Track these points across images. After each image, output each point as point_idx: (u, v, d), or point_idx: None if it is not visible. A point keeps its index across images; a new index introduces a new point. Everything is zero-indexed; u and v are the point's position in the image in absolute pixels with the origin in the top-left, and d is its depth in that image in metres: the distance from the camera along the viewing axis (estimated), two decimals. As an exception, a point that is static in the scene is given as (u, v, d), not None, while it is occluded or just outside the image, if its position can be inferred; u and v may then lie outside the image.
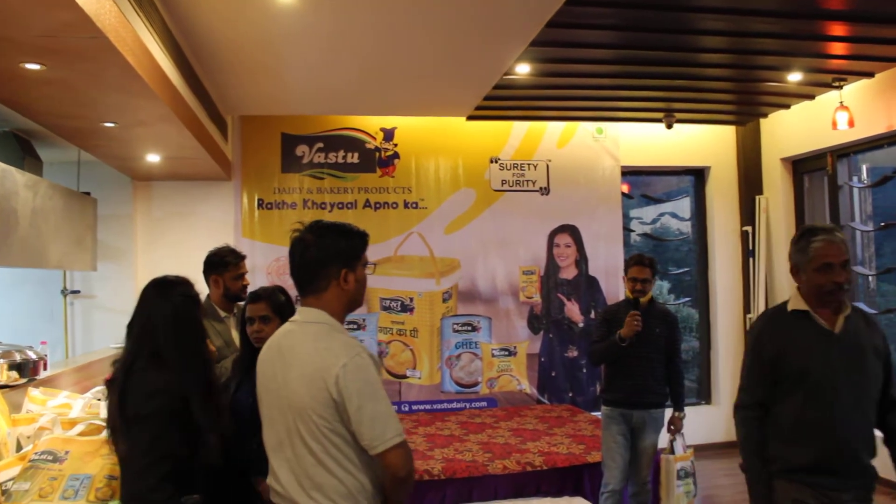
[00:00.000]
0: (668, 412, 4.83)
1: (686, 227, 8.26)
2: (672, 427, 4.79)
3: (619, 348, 4.55)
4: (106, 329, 6.29)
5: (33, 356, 4.15)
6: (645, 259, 4.72)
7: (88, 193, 6.05)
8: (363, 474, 2.22)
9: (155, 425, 2.47)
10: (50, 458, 2.82)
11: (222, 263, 4.18)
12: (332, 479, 2.19)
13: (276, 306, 3.35)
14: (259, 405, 2.41)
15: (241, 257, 4.26)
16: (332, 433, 2.18)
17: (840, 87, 6.38)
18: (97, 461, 2.81)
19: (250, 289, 3.71)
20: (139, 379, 2.55)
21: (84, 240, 5.77)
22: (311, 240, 2.34)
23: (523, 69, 5.74)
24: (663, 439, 4.80)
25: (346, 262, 2.33)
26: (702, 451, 7.45)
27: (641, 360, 4.63)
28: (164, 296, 2.69)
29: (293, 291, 6.63)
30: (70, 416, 3.18)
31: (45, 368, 4.27)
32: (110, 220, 6.52)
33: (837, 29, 5.28)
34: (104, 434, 2.86)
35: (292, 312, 2.52)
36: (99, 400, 3.24)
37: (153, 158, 5.70)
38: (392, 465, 2.18)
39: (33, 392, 3.70)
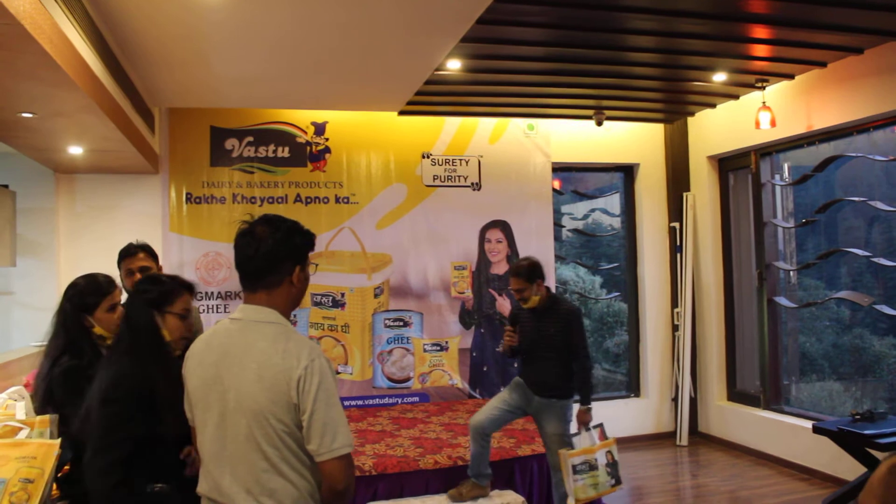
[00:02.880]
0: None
1: (617, 223, 8.39)
2: (579, 421, 4.84)
3: (513, 355, 5.06)
4: (25, 327, 6.09)
5: (-54, 356, 4.01)
6: (519, 269, 4.84)
7: (6, 186, 5.85)
8: (316, 476, 2.18)
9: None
10: (-39, 461, 2.71)
11: (117, 259, 4.09)
12: (286, 483, 2.14)
13: None
14: (191, 408, 2.33)
15: (132, 251, 4.06)
16: (289, 437, 2.13)
17: (762, 88, 6.57)
18: (11, 465, 2.71)
19: None
20: None
21: (2, 234, 5.59)
22: (267, 233, 2.27)
23: (454, 65, 5.75)
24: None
25: (300, 259, 2.31)
26: (631, 442, 7.63)
27: (540, 360, 4.88)
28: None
29: (221, 287, 6.47)
30: (-17, 417, 3.06)
31: (-42, 368, 4.13)
32: (31, 213, 6.31)
33: (760, 32, 5.43)
34: (21, 436, 2.77)
35: None
36: (15, 401, 3.13)
37: (75, 150, 5.53)
38: (333, 475, 2.13)
39: (-55, 393, 3.57)
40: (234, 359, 2.21)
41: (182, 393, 2.39)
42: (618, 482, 4.77)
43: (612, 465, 4.76)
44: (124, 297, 3.97)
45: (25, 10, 2.86)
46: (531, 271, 4.82)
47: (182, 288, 2.83)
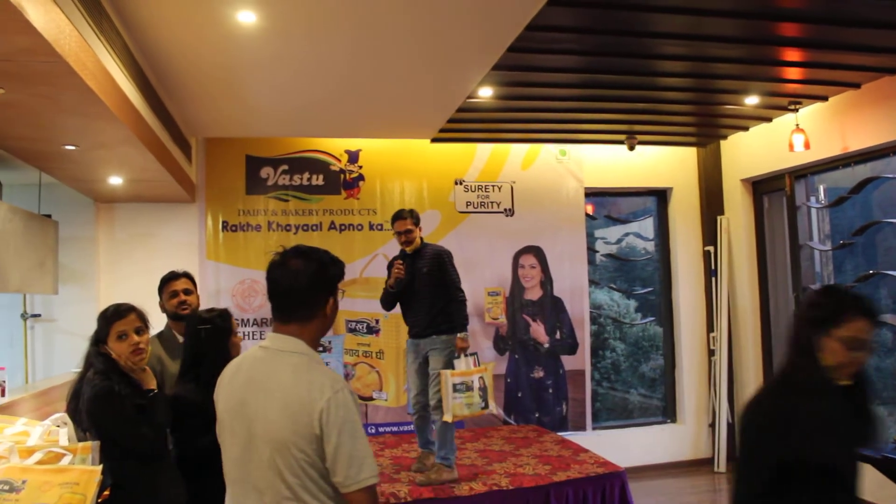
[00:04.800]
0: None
1: (651, 247, 8.35)
2: (458, 347, 5.30)
3: (392, 294, 5.43)
4: (67, 353, 6.20)
5: (-10, 383, 4.09)
6: (403, 212, 5.42)
7: (49, 216, 5.98)
8: None
9: None
10: (6, 487, 2.77)
11: (160, 285, 4.16)
12: None
13: None
14: (219, 431, 2.35)
15: (176, 276, 4.18)
16: (310, 467, 2.13)
17: (796, 111, 6.53)
18: (55, 490, 2.77)
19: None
20: None
21: (45, 263, 5.70)
22: (302, 266, 2.29)
23: (486, 92, 5.80)
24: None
25: (333, 290, 2.34)
26: (668, 469, 7.55)
27: (418, 299, 5.35)
28: None
29: (257, 314, 6.52)
30: (28, 444, 3.12)
31: (2, 395, 4.21)
32: (72, 242, 6.45)
33: (792, 54, 5.41)
34: (63, 462, 2.83)
35: None
36: (58, 427, 3.19)
37: (115, 181, 5.66)
38: None
39: (-10, 420, 3.63)
40: (259, 387, 2.23)
41: None
42: (486, 406, 5.26)
43: (483, 390, 5.25)
44: (162, 321, 4.09)
45: (70, 48, 2.95)
46: (417, 215, 5.45)
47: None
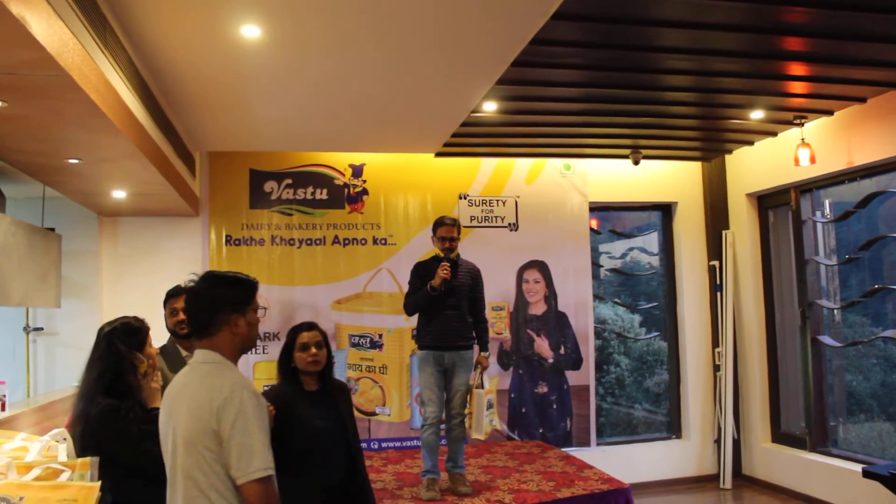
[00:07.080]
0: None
1: (656, 262, 8.32)
2: (479, 365, 5.37)
3: (430, 297, 5.20)
4: (69, 367, 6.17)
5: (-10, 397, 4.06)
6: (447, 220, 5.38)
7: (53, 229, 5.97)
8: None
9: None
10: None
11: (164, 299, 4.12)
12: None
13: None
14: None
15: (179, 292, 4.06)
16: (216, 463, 2.31)
17: (801, 125, 6.52)
18: (53, 507, 2.74)
19: None
20: None
21: (48, 276, 5.68)
22: (203, 289, 2.56)
23: (490, 107, 5.79)
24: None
25: (236, 308, 2.54)
26: (673, 485, 7.48)
27: (450, 308, 5.28)
28: None
29: (260, 329, 6.51)
30: (26, 459, 3.09)
31: (2, 409, 4.18)
32: (75, 256, 6.44)
33: (797, 69, 5.40)
34: (62, 478, 2.80)
35: None
36: (57, 442, 3.16)
37: (119, 194, 5.65)
38: (249, 499, 2.29)
39: (-11, 435, 3.60)
40: (178, 396, 2.47)
41: None
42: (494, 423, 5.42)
43: (491, 408, 5.34)
44: (165, 335, 4.08)
45: (74, 61, 2.94)
46: (458, 222, 5.41)
47: None
